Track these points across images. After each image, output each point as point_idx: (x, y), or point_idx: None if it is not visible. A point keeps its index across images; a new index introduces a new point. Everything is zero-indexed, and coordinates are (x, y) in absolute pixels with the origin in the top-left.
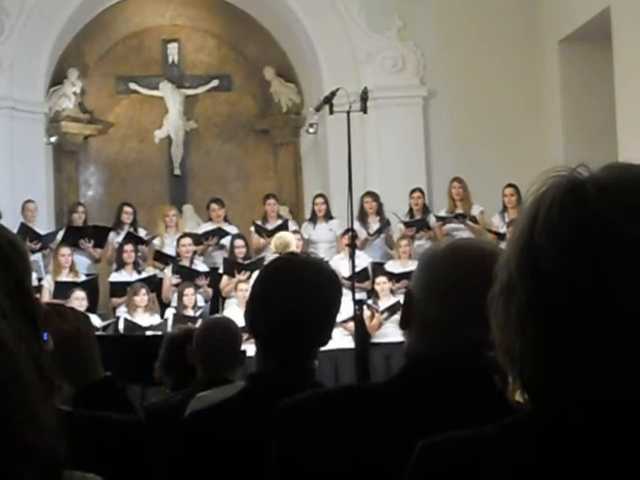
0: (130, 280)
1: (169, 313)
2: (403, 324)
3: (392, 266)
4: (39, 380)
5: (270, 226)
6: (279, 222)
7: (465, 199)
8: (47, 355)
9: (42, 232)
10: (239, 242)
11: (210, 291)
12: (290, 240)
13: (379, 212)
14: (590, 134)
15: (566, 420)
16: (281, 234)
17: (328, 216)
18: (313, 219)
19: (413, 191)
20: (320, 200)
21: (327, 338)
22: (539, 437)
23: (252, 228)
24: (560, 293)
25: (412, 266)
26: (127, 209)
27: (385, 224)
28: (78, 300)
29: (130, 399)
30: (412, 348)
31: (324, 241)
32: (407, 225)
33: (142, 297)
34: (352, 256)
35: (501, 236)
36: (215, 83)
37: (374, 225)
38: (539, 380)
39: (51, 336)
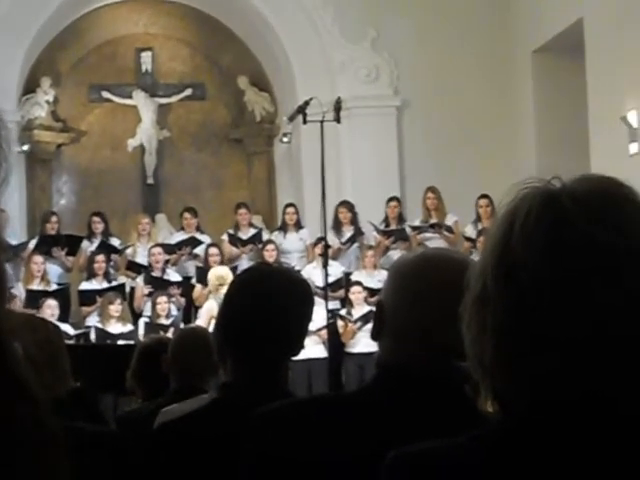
0: (99, 289)
1: (141, 322)
2: (375, 335)
3: (358, 276)
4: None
5: (244, 236)
6: (253, 231)
7: (439, 209)
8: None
9: (14, 242)
10: (213, 250)
11: (182, 300)
12: (225, 275)
13: (353, 222)
14: (563, 144)
15: (538, 431)
16: (217, 270)
17: (298, 226)
18: (283, 228)
19: (390, 200)
20: (291, 210)
21: (299, 348)
22: (510, 448)
23: (224, 237)
24: (536, 301)
25: (379, 277)
26: (95, 219)
27: (358, 233)
28: (50, 309)
29: (101, 409)
30: (383, 357)
31: (295, 251)
32: (385, 234)
33: (117, 306)
34: (325, 265)
35: (474, 242)
36: (189, 92)
37: (348, 234)
38: (511, 390)
39: (21, 347)
